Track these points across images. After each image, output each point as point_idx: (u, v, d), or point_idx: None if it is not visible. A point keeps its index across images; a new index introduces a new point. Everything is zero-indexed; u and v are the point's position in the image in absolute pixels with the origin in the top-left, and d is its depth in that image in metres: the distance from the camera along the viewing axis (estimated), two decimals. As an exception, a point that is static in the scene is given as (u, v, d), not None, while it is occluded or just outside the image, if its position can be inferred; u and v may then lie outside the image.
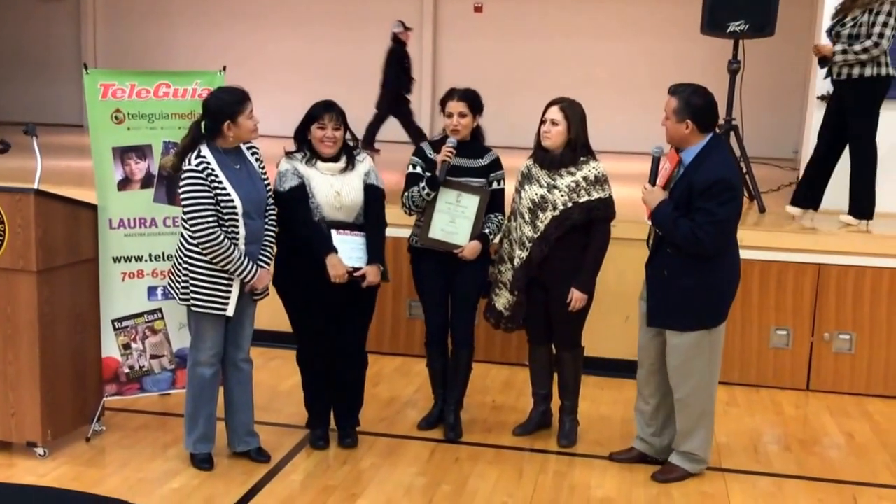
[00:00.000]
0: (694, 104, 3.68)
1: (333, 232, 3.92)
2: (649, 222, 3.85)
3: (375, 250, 3.99)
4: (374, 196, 4.03)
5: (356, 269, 3.92)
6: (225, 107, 3.68)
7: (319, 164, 3.94)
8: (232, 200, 3.68)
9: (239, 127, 3.70)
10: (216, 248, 3.66)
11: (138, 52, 12.12)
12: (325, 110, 3.92)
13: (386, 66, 9.34)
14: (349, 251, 3.93)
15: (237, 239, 3.72)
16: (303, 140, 3.98)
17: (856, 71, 5.36)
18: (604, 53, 11.26)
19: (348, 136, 4.02)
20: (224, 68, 4.32)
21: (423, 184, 4.12)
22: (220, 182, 3.66)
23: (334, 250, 3.89)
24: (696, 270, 3.72)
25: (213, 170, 3.66)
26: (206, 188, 3.64)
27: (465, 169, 4.19)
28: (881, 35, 5.20)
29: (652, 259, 3.87)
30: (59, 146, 8.73)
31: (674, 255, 3.74)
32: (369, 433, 4.34)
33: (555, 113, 4.04)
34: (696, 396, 3.85)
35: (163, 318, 4.34)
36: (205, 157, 3.67)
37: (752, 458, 4.27)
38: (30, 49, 12.55)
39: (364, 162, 4.05)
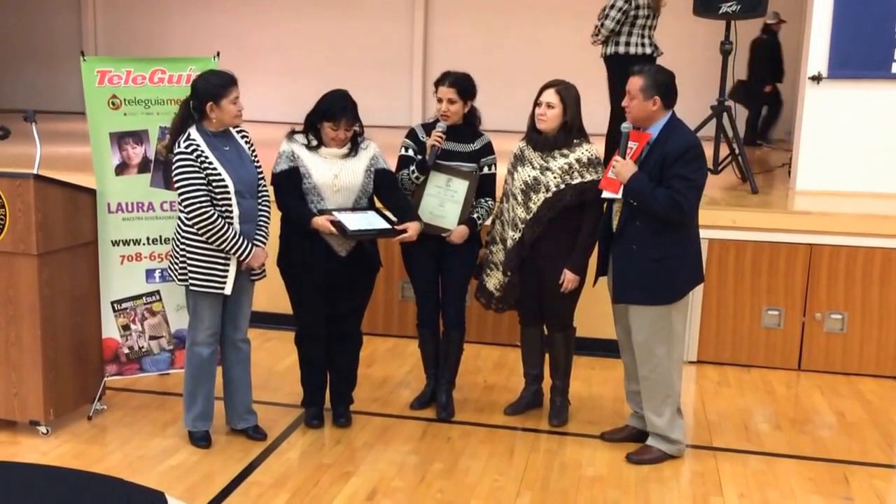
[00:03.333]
0: (661, 81, 3.79)
1: (336, 212, 3.92)
2: (616, 195, 3.85)
3: (409, 211, 4.02)
4: (386, 180, 4.06)
5: (392, 228, 3.91)
6: (210, 88, 3.74)
7: (323, 149, 3.97)
8: (223, 180, 3.74)
9: (221, 110, 3.75)
10: (210, 226, 3.72)
11: (138, 40, 12.16)
12: (342, 113, 3.89)
13: (756, 59, 8.91)
14: (364, 218, 3.93)
15: (231, 218, 3.78)
16: (312, 127, 3.97)
17: (600, 49, 6.10)
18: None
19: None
20: (218, 54, 4.37)
21: (412, 167, 4.16)
22: (211, 163, 3.72)
23: (315, 214, 3.90)
24: (664, 242, 3.78)
25: (202, 151, 3.72)
26: (197, 169, 3.70)
27: (456, 153, 4.22)
28: (606, 16, 5.93)
29: (620, 235, 3.90)
30: (62, 133, 8.80)
31: (643, 227, 3.79)
32: (363, 412, 4.40)
33: (551, 96, 4.06)
34: (660, 373, 3.91)
35: (161, 299, 4.42)
36: (194, 139, 3.74)
37: (743, 437, 4.30)
38: (32, 37, 12.61)
39: (369, 148, 4.07)
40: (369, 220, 3.95)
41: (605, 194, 3.92)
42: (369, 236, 3.96)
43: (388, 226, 3.95)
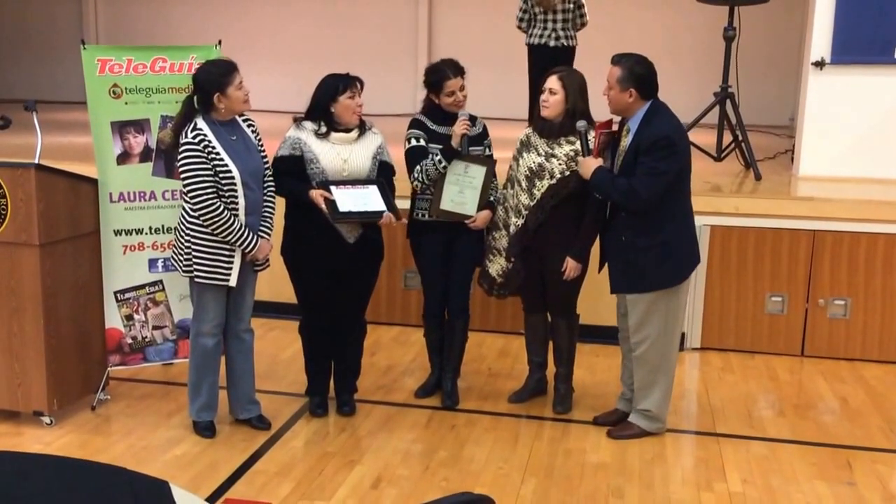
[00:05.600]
0: (637, 73, 3.77)
1: (333, 188, 3.89)
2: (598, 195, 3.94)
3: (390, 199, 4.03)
4: (385, 175, 4.08)
5: (382, 211, 3.93)
6: (213, 79, 3.72)
7: (333, 135, 3.95)
8: (230, 171, 3.72)
9: (229, 98, 3.73)
10: (216, 219, 3.71)
11: (140, 29, 12.10)
12: (353, 79, 3.93)
13: None
14: (362, 196, 3.92)
15: (237, 209, 3.77)
16: (323, 113, 3.94)
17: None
18: (599, 23, 11.12)
19: None
20: (220, 42, 4.35)
21: (438, 157, 4.09)
22: (218, 153, 3.71)
23: (313, 187, 3.90)
24: (652, 232, 3.80)
25: (209, 141, 3.71)
26: (204, 160, 3.69)
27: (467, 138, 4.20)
28: (520, 7, 6.50)
29: (609, 226, 3.95)
30: (63, 122, 8.78)
31: (629, 217, 3.82)
32: (367, 401, 4.41)
33: (553, 82, 4.06)
34: (652, 354, 3.95)
35: (164, 289, 4.41)
36: (201, 129, 3.72)
37: (747, 423, 4.31)
38: (34, 27, 12.55)
39: (377, 136, 4.08)
40: (365, 199, 3.93)
41: None
42: (355, 219, 3.93)
43: (378, 208, 3.93)
